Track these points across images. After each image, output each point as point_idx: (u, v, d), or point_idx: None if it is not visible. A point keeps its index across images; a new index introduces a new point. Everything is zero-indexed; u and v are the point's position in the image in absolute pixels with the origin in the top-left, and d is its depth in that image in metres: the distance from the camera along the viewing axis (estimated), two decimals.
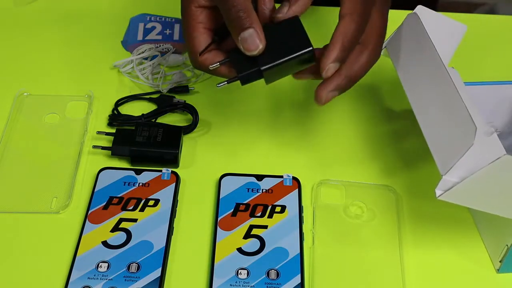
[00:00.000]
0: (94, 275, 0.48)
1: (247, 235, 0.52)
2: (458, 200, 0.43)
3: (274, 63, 0.46)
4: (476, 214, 0.55)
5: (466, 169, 0.41)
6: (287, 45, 0.47)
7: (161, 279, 0.48)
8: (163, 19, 0.73)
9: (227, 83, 0.48)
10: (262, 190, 0.55)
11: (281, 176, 0.56)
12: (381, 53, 0.56)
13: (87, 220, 0.52)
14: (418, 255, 0.52)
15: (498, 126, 0.58)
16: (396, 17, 0.77)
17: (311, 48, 0.46)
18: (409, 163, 0.59)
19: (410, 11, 0.54)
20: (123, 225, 0.52)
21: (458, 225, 0.55)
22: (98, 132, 0.59)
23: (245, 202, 0.54)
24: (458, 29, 0.55)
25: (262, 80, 0.48)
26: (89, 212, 0.53)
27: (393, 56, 0.54)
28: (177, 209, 0.54)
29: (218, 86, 0.49)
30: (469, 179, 0.41)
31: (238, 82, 0.48)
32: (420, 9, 0.53)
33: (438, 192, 0.43)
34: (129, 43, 0.70)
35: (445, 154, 0.43)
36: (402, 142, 0.61)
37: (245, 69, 0.47)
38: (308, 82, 0.67)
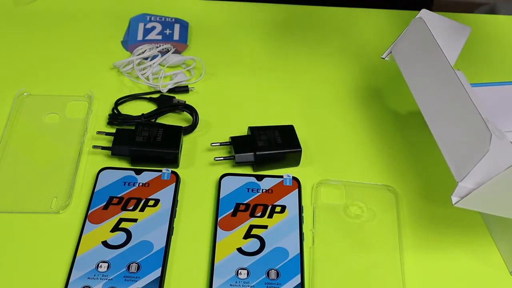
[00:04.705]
0: (94, 275, 0.48)
1: (247, 235, 0.52)
2: (475, 206, 0.42)
3: (267, 152, 0.56)
4: (488, 218, 0.54)
5: (482, 175, 0.41)
6: (281, 143, 0.57)
7: (161, 279, 0.48)
8: (163, 19, 0.73)
9: (223, 159, 0.57)
10: (262, 190, 0.55)
11: (281, 176, 0.56)
12: (387, 58, 0.56)
13: (87, 220, 0.52)
14: (418, 255, 0.52)
15: (500, 127, 0.58)
16: (396, 18, 0.77)
17: (300, 149, 0.57)
18: (409, 163, 0.59)
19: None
20: (123, 225, 0.52)
21: (458, 225, 0.55)
22: (98, 132, 0.59)
23: (245, 202, 0.54)
24: (462, 31, 0.55)
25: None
26: (89, 212, 0.53)
27: (399, 61, 0.54)
28: (177, 209, 0.54)
29: (215, 159, 0.57)
30: (486, 185, 0.41)
31: None
32: (425, 13, 0.53)
33: (454, 199, 0.42)
34: (129, 43, 0.70)
35: (460, 160, 0.43)
36: (402, 142, 0.61)
37: (243, 151, 0.57)
38: (309, 86, 0.67)
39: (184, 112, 0.63)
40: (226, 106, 0.64)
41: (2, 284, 0.48)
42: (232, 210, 0.53)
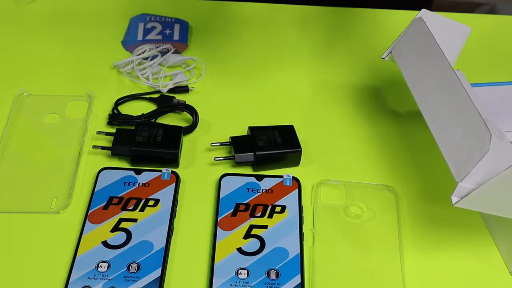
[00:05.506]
0: (94, 275, 0.48)
1: (247, 235, 0.52)
2: (475, 206, 0.42)
3: (267, 152, 0.56)
4: (488, 218, 0.54)
5: (482, 175, 0.41)
6: (281, 143, 0.57)
7: (161, 279, 0.48)
8: (163, 19, 0.73)
9: (223, 159, 0.57)
10: (262, 190, 0.55)
11: (281, 176, 0.56)
12: (386, 58, 0.56)
13: (87, 220, 0.52)
14: (418, 255, 0.52)
15: (500, 127, 0.58)
16: (395, 18, 0.77)
17: (300, 149, 0.57)
18: (409, 163, 0.59)
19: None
20: (123, 225, 0.52)
21: (458, 225, 0.55)
22: (98, 132, 0.59)
23: (245, 202, 0.54)
24: (462, 31, 0.55)
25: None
26: (89, 212, 0.53)
27: (399, 61, 0.54)
28: (177, 209, 0.54)
29: (215, 159, 0.57)
30: (486, 185, 0.41)
31: None
32: (425, 13, 0.53)
33: (454, 199, 0.42)
34: (129, 43, 0.70)
35: (460, 160, 0.43)
36: (402, 142, 0.61)
37: (243, 151, 0.57)
38: (309, 87, 0.67)
39: (184, 112, 0.63)
40: (226, 106, 0.64)
41: (2, 284, 0.48)
42: (232, 210, 0.53)
